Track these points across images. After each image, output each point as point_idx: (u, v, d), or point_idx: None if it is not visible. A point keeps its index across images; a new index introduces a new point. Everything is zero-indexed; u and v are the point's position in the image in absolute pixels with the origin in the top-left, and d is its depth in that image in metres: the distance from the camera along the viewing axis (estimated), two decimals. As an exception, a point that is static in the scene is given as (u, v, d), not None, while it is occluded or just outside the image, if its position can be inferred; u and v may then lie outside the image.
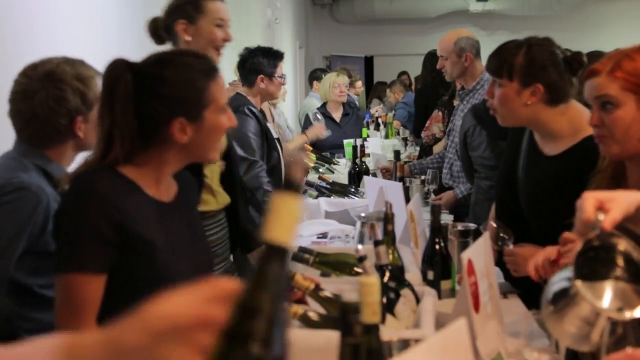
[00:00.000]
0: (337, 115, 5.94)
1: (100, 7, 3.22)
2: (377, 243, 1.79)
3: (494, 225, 2.14)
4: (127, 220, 1.54)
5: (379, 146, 5.95)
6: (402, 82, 9.25)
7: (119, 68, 1.59)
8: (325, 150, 5.65)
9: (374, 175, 4.39)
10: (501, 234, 2.13)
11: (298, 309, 1.63)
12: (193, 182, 1.83)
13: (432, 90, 5.34)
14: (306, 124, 5.89)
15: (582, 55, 2.25)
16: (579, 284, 1.24)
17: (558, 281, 1.30)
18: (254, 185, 3.57)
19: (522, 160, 2.36)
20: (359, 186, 4.25)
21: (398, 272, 1.94)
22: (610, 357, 1.24)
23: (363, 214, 2.60)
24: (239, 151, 3.37)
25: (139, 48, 2.07)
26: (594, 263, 1.28)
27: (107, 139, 1.58)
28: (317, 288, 1.72)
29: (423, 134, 4.96)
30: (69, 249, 1.53)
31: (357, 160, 4.59)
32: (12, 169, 1.88)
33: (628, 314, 1.22)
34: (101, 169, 1.57)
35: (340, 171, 5.01)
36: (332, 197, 4.01)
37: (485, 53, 2.73)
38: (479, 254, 1.72)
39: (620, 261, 1.28)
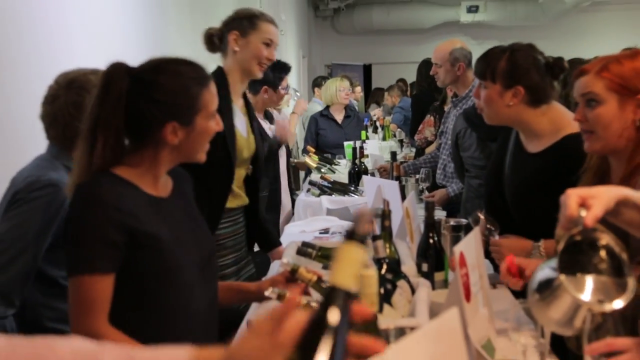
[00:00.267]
0: (339, 117, 6.00)
1: (121, 24, 3.23)
2: (375, 238, 1.79)
3: (482, 217, 2.14)
4: (130, 220, 1.53)
5: (377, 148, 5.96)
6: (399, 87, 9.25)
7: (118, 70, 1.59)
8: (329, 148, 5.72)
9: (372, 174, 4.39)
10: (488, 225, 2.13)
11: (302, 299, 1.63)
12: (185, 175, 1.83)
13: (428, 95, 5.34)
14: (310, 126, 5.95)
15: (562, 61, 2.26)
16: (562, 277, 1.23)
17: (543, 270, 1.29)
18: None
19: (508, 158, 2.36)
20: (358, 185, 4.25)
21: (395, 265, 1.93)
22: (591, 346, 1.24)
23: (362, 211, 2.59)
24: None
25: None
26: (577, 257, 1.27)
27: (92, 134, 1.56)
28: (320, 280, 1.72)
29: (416, 137, 4.96)
30: (78, 253, 1.53)
31: (357, 161, 4.59)
32: (42, 168, 1.89)
33: (608, 306, 1.22)
34: (100, 175, 1.56)
35: (341, 171, 5.01)
36: (333, 195, 4.01)
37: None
38: (470, 247, 1.71)
39: (601, 255, 1.27)
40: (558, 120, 2.22)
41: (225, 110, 2.46)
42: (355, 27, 14.01)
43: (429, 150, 4.72)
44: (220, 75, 2.51)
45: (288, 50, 8.95)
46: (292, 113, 5.37)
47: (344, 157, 5.52)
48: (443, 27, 13.28)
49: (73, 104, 1.89)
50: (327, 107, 6.06)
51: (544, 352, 1.68)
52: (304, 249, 1.97)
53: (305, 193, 4.23)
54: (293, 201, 4.47)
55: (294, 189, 4.99)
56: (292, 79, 7.21)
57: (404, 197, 2.73)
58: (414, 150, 6.08)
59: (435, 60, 3.78)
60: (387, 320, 1.57)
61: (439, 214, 3.42)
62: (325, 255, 1.98)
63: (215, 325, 1.75)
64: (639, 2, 12.90)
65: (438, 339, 1.03)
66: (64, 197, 1.82)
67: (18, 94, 2.16)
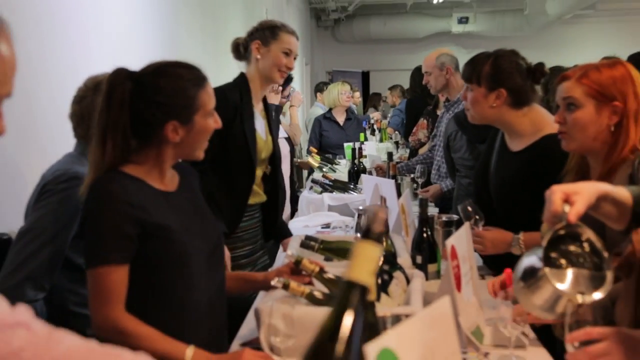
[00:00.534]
0: (341, 119, 6.04)
1: (136, 28, 3.23)
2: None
3: (469, 208, 2.14)
4: (141, 214, 1.54)
5: (374, 148, 5.96)
6: (401, 89, 9.24)
7: (119, 76, 1.59)
8: (331, 149, 5.76)
9: (370, 173, 4.38)
10: (475, 216, 2.13)
11: (305, 288, 1.63)
12: (191, 170, 1.83)
13: (420, 100, 5.33)
14: (314, 128, 6.00)
15: (543, 66, 2.26)
16: (547, 269, 1.23)
17: (529, 257, 1.29)
18: None
19: (494, 157, 2.37)
20: (357, 183, 4.25)
21: (391, 257, 1.93)
22: (572, 335, 1.24)
23: (361, 207, 2.60)
24: None
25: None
26: (560, 251, 1.27)
27: (102, 137, 1.57)
28: (322, 271, 1.72)
29: (410, 139, 4.94)
30: (94, 247, 1.53)
31: (356, 161, 4.59)
32: (69, 163, 1.91)
33: (587, 298, 1.22)
34: (111, 174, 1.57)
35: (341, 170, 5.01)
36: (334, 193, 4.01)
37: (466, 67, 2.72)
38: (461, 241, 1.71)
39: (583, 250, 1.27)
40: (538, 121, 2.23)
41: (247, 115, 2.47)
42: (354, 37, 14.02)
43: (422, 151, 4.72)
44: (243, 81, 2.53)
45: (292, 58, 8.93)
46: (290, 106, 5.39)
47: (344, 157, 5.53)
48: (436, 37, 13.27)
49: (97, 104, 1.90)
50: (330, 110, 6.10)
51: (527, 339, 1.68)
52: (307, 242, 1.97)
53: (308, 190, 4.24)
54: (296, 198, 4.47)
55: (297, 187, 5.00)
56: (295, 84, 7.23)
57: (399, 194, 2.73)
58: (408, 151, 6.08)
59: (425, 69, 3.80)
60: (384, 308, 1.58)
61: (432, 210, 3.43)
62: (326, 248, 1.98)
63: (223, 311, 1.76)
64: (616, 16, 13.01)
65: (431, 326, 1.03)
66: None
67: (36, 96, 2.15)
